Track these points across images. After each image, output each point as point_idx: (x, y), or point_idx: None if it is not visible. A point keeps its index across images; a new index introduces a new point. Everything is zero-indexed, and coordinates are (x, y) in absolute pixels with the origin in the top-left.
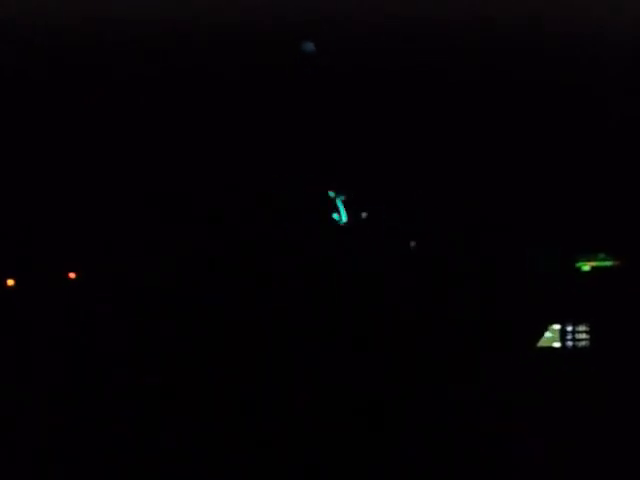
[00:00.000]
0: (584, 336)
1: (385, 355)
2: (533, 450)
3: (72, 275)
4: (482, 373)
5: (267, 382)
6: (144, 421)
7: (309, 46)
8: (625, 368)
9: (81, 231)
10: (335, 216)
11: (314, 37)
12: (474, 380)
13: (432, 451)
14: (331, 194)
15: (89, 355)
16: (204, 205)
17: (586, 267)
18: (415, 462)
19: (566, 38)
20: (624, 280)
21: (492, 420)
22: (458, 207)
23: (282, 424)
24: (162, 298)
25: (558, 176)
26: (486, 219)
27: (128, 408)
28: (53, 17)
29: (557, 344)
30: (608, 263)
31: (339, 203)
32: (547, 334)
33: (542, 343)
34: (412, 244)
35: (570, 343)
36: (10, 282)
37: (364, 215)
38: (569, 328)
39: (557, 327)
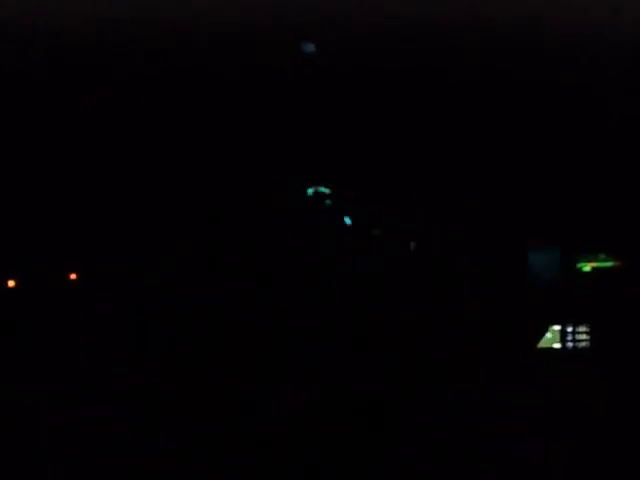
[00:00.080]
0: (584, 337)
1: (385, 355)
2: (533, 449)
3: (73, 276)
4: (482, 373)
5: (267, 381)
6: (144, 421)
7: (309, 47)
8: (625, 369)
9: (81, 232)
10: (346, 220)
11: (314, 37)
12: (474, 380)
13: (432, 451)
14: (323, 190)
15: (89, 355)
16: (204, 205)
17: (587, 268)
18: (415, 462)
19: (566, 38)
20: (625, 281)
21: (492, 420)
22: (458, 208)
23: (282, 423)
24: (162, 298)
25: (558, 177)
26: (486, 220)
27: (128, 408)
28: (53, 17)
29: (557, 345)
30: (609, 264)
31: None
32: (547, 335)
33: (542, 344)
34: (412, 245)
35: (570, 344)
36: (11, 283)
37: (364, 217)
38: (569, 329)
39: (557, 328)
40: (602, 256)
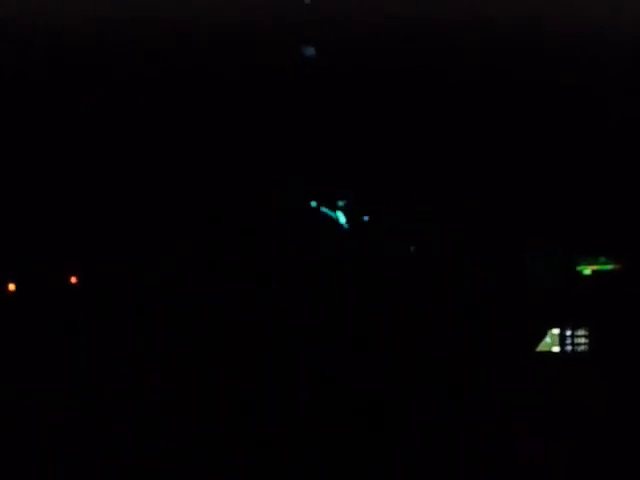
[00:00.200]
0: (583, 340)
1: (385, 356)
2: (532, 453)
3: (73, 279)
4: (481, 377)
5: (267, 382)
6: (144, 421)
7: (309, 50)
8: (624, 372)
9: (81, 234)
10: (339, 218)
11: (314, 37)
12: (473, 383)
13: (432, 452)
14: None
15: (90, 356)
16: (204, 205)
17: (587, 271)
18: (415, 462)
19: (566, 38)
20: (625, 284)
21: (491, 423)
22: (458, 209)
23: (282, 424)
24: (162, 299)
25: (559, 178)
26: (486, 222)
27: (128, 408)
28: (53, 17)
29: (556, 348)
30: (609, 267)
31: (339, 206)
32: (546, 339)
33: (541, 347)
34: (412, 248)
35: (569, 348)
36: (11, 286)
37: (365, 218)
38: (568, 332)
39: (556, 331)
40: (602, 259)
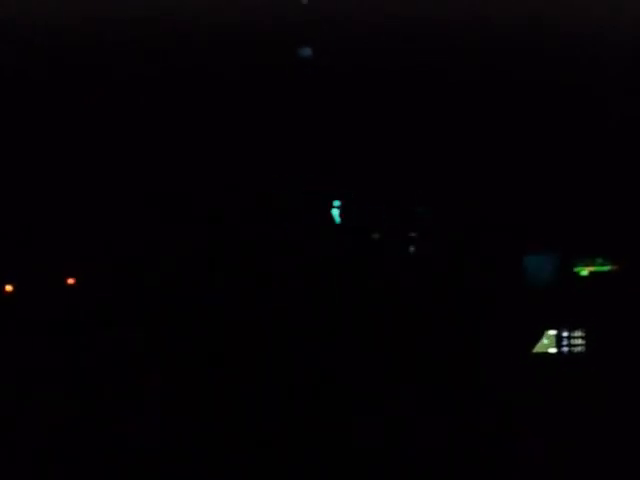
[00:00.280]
0: (580, 342)
1: (384, 356)
2: (529, 452)
3: (71, 281)
4: (479, 377)
5: (267, 381)
6: (144, 421)
7: (306, 51)
8: (621, 373)
9: (80, 234)
10: (335, 216)
11: (314, 37)
12: (471, 383)
13: (431, 452)
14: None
15: (89, 356)
16: (204, 205)
17: (584, 272)
18: (415, 462)
19: (566, 38)
20: (622, 285)
21: (488, 423)
22: (456, 210)
23: (282, 423)
24: (162, 299)
25: (557, 179)
26: (484, 223)
27: (128, 408)
28: (53, 17)
29: (553, 350)
30: (606, 268)
31: (335, 206)
32: (543, 340)
33: (538, 349)
34: (411, 249)
35: (566, 349)
36: (9, 288)
37: (364, 218)
38: (565, 334)
39: (553, 333)
40: (600, 260)
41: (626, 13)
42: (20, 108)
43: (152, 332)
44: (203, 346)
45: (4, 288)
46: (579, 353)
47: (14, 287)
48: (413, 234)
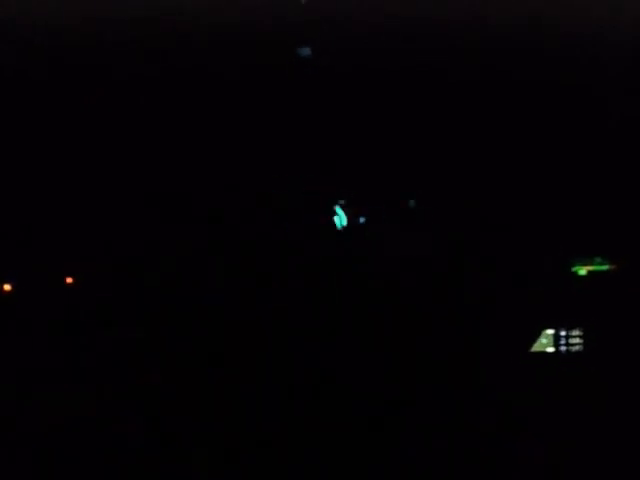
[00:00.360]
0: (578, 341)
1: (384, 356)
2: (526, 452)
3: (69, 280)
4: (476, 377)
5: (267, 381)
6: (144, 421)
7: (305, 51)
8: (619, 373)
9: (79, 234)
10: (336, 222)
11: (314, 37)
12: (468, 383)
13: (430, 452)
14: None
15: (88, 357)
16: (204, 205)
17: (582, 271)
18: (414, 462)
19: (566, 38)
20: (620, 285)
21: (486, 423)
22: (455, 210)
23: (282, 423)
24: (162, 298)
25: (556, 178)
26: (482, 223)
27: (129, 408)
28: (53, 17)
29: (551, 349)
30: (605, 267)
31: (338, 209)
32: (541, 339)
33: (536, 348)
34: (411, 249)
35: (564, 348)
36: (7, 287)
37: (362, 219)
38: (563, 333)
39: (551, 332)
40: (598, 260)
41: (626, 13)
42: (20, 108)
43: (152, 332)
44: (203, 346)
45: (2, 287)
46: (577, 352)
47: (12, 286)
48: (413, 234)
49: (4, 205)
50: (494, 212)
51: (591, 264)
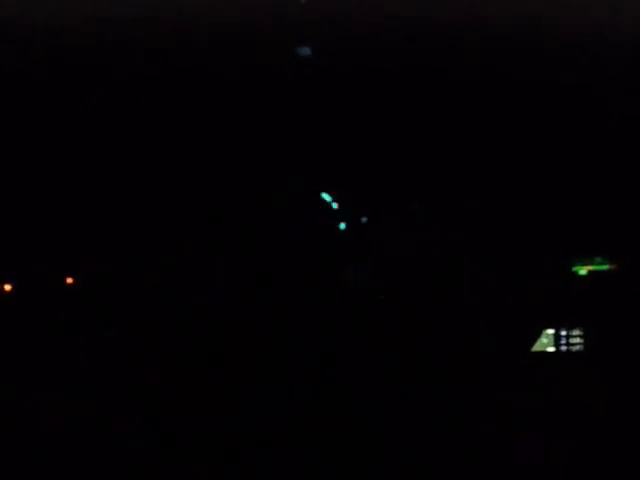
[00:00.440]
0: (578, 340)
1: (384, 356)
2: (527, 450)
3: (69, 280)
4: (477, 376)
5: (267, 381)
6: (144, 420)
7: (305, 50)
8: (619, 372)
9: (79, 233)
10: (341, 225)
11: (314, 37)
12: (469, 382)
13: (429, 452)
14: (326, 197)
15: (88, 356)
16: (204, 205)
17: (583, 271)
18: (415, 462)
19: (566, 38)
20: (620, 284)
21: (486, 421)
22: (454, 209)
23: (282, 423)
24: (161, 298)
25: (557, 178)
26: (482, 222)
27: (128, 408)
28: (53, 17)
29: (551, 348)
30: (605, 267)
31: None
32: (542, 339)
33: (537, 347)
34: (410, 248)
35: (564, 348)
36: (7, 287)
37: (364, 220)
38: (563, 333)
39: (551, 332)
40: (598, 260)
41: (626, 13)
42: (20, 108)
43: (151, 331)
44: (203, 346)
45: (2, 287)
46: (577, 352)
47: (13, 286)
48: (413, 234)
49: (4, 205)
50: (494, 212)
51: (591, 264)
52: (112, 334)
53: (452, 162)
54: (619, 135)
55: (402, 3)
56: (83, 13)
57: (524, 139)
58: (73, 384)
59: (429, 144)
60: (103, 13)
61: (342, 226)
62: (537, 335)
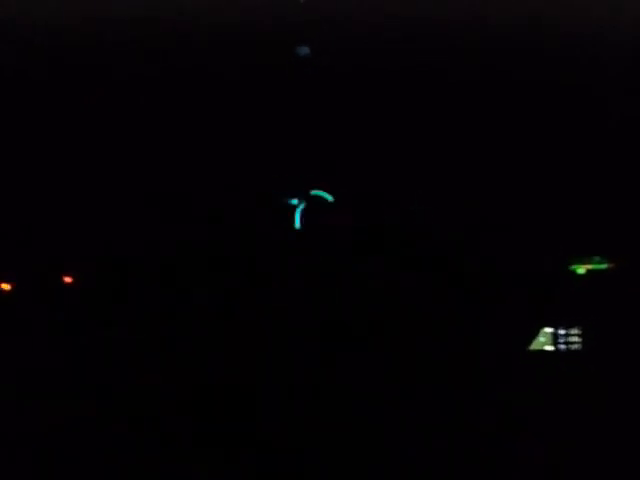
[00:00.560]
0: (576, 339)
1: (383, 356)
2: (526, 450)
3: (68, 279)
4: (475, 375)
5: (267, 381)
6: (144, 421)
7: (304, 50)
8: (617, 371)
9: (78, 232)
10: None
11: (313, 37)
12: (467, 381)
13: (428, 451)
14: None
15: (88, 356)
16: (204, 205)
17: (581, 270)
18: (414, 462)
19: (566, 38)
20: (619, 283)
21: (485, 421)
22: (453, 209)
23: (282, 424)
24: (161, 298)
25: (555, 177)
26: (482, 222)
27: (128, 409)
28: (53, 17)
29: (549, 347)
30: (603, 266)
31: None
32: (540, 337)
33: (535, 346)
34: (410, 248)
35: (562, 346)
36: (6, 286)
37: (363, 220)
38: (562, 331)
39: (550, 330)
40: (597, 258)
41: (626, 13)
42: (20, 108)
43: (150, 331)
44: (203, 345)
45: (1, 286)
46: (575, 351)
47: (11, 285)
48: (412, 234)
49: (3, 205)
50: (493, 212)
51: (590, 263)
52: (111, 334)
53: (451, 161)
54: (618, 135)
55: (402, 3)
56: (83, 13)
57: (523, 138)
58: (72, 384)
59: (429, 144)
60: (103, 13)
61: (341, 225)
62: (535, 334)
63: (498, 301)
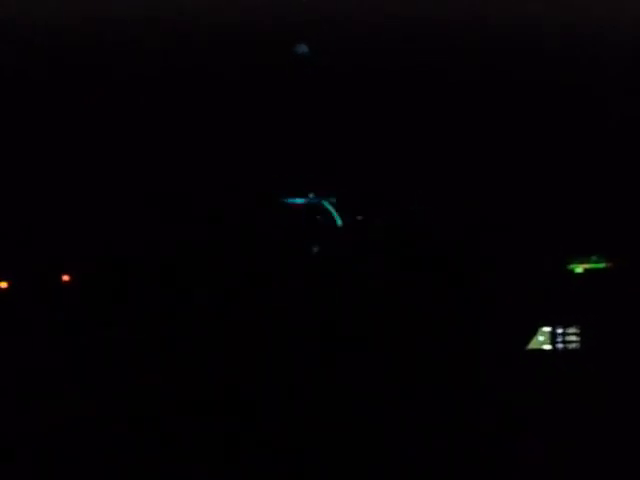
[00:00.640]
0: (575, 338)
1: (382, 355)
2: (524, 451)
3: (66, 278)
4: (472, 375)
5: (266, 381)
6: (143, 421)
7: (302, 48)
8: (616, 371)
9: (77, 232)
10: (336, 219)
11: (313, 37)
12: (464, 382)
13: (428, 452)
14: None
15: (87, 357)
16: (204, 205)
17: (579, 269)
18: (414, 462)
19: (566, 38)
20: (617, 282)
21: (483, 422)
22: (451, 209)
23: (282, 424)
24: (161, 298)
25: (554, 176)
26: (479, 221)
27: (127, 408)
28: (53, 17)
29: (547, 346)
30: (601, 265)
31: (329, 207)
32: (538, 337)
33: (532, 345)
34: (410, 248)
35: (561, 346)
36: (3, 285)
37: (359, 218)
38: (560, 331)
39: (548, 329)
40: (595, 257)
41: (626, 13)
42: (20, 108)
43: (150, 331)
44: (203, 345)
45: None
46: (574, 350)
47: (9, 284)
48: (412, 234)
49: (2, 204)
50: (490, 210)
51: (588, 262)
52: (110, 333)
53: (451, 162)
54: (618, 135)
55: (402, 3)
56: (83, 13)
57: (522, 138)
58: (71, 383)
59: (429, 144)
60: (103, 13)
61: (340, 224)
62: (533, 333)
63: (496, 300)
